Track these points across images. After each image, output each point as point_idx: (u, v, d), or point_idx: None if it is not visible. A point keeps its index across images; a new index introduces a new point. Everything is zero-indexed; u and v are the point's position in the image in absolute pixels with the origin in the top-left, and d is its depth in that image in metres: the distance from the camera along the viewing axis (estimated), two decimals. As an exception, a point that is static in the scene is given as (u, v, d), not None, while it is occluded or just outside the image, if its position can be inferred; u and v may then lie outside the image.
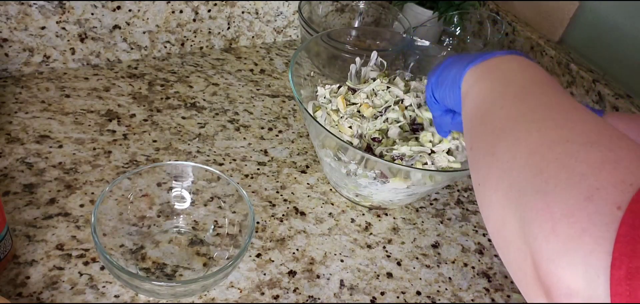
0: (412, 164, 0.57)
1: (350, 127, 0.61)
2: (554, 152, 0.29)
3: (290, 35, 0.93)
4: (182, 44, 0.82)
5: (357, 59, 0.69)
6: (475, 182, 0.36)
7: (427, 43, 0.73)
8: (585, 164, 0.27)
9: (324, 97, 0.65)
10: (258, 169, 0.66)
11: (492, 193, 0.33)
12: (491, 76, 0.41)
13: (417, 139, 0.60)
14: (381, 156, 0.58)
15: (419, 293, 0.57)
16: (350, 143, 0.58)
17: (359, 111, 0.62)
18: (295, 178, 0.66)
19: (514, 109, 0.35)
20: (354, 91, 0.64)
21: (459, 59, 0.46)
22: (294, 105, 0.79)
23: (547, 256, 0.26)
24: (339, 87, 0.66)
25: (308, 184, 0.66)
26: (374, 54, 0.69)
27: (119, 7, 0.73)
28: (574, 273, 0.24)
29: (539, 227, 0.27)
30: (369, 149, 0.59)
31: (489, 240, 0.65)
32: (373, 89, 0.63)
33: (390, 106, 0.62)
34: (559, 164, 0.28)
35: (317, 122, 0.55)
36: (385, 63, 0.69)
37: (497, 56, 0.42)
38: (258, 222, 0.59)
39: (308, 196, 0.64)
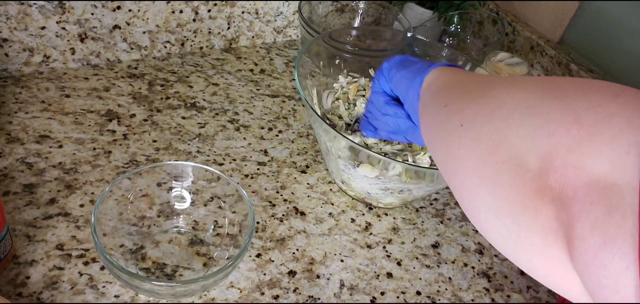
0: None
1: (346, 109, 0.64)
2: (558, 83, 0.27)
3: (290, 35, 0.93)
4: (182, 44, 0.82)
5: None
6: (451, 128, 0.33)
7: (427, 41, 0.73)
8: (596, 90, 0.25)
9: (341, 87, 0.68)
10: (258, 169, 0.66)
11: (485, 122, 0.30)
12: (465, 72, 0.42)
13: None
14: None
15: (419, 293, 0.57)
16: (324, 119, 0.58)
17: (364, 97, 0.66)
18: (295, 178, 0.66)
19: (487, 85, 0.34)
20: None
21: (421, 60, 0.47)
22: (294, 105, 0.79)
23: (566, 146, 0.23)
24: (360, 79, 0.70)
25: (308, 184, 0.66)
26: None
27: (119, 7, 0.73)
28: (599, 155, 0.22)
29: (559, 121, 0.24)
30: (348, 127, 0.64)
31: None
32: None
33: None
34: (571, 84, 0.26)
35: (308, 103, 0.55)
36: None
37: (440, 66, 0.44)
38: (258, 222, 0.59)
39: (308, 196, 0.64)
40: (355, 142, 0.54)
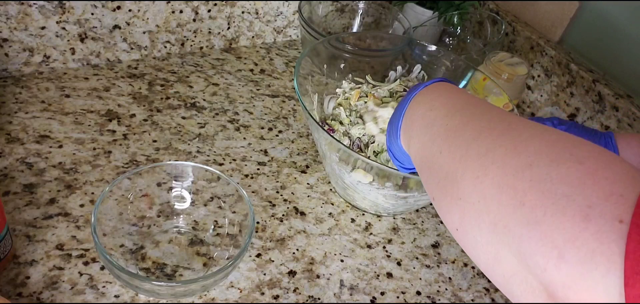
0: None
1: (348, 116, 0.64)
2: (523, 181, 0.28)
3: (290, 35, 0.93)
4: (182, 44, 0.82)
5: (399, 68, 0.71)
6: (452, 228, 0.34)
7: (432, 47, 0.73)
8: (562, 184, 0.26)
9: (344, 91, 0.68)
10: (258, 169, 0.66)
11: (476, 234, 0.31)
12: (415, 126, 0.41)
13: None
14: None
15: (419, 293, 0.57)
16: (319, 123, 0.57)
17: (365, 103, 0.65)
18: (295, 178, 0.66)
19: (455, 147, 0.34)
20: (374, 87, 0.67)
21: (393, 117, 0.47)
22: (294, 105, 0.79)
23: (562, 284, 0.25)
24: (364, 85, 0.70)
25: (308, 184, 0.66)
26: (418, 67, 0.71)
27: (119, 7, 0.73)
28: (596, 292, 0.23)
29: (545, 258, 0.25)
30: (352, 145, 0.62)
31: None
32: (390, 90, 0.64)
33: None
34: (536, 192, 0.27)
35: (307, 111, 0.55)
36: (426, 75, 0.71)
37: (410, 99, 0.43)
38: (258, 222, 0.59)
39: (308, 196, 0.64)
40: (344, 145, 0.54)
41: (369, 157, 0.58)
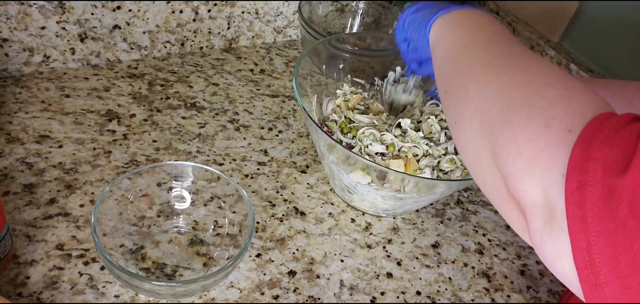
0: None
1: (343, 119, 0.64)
2: (519, 91, 0.34)
3: (290, 35, 0.93)
4: (182, 44, 0.82)
5: (398, 69, 0.71)
6: (451, 122, 0.41)
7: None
8: (544, 99, 0.32)
9: (344, 94, 0.68)
10: (258, 169, 0.66)
11: (468, 129, 0.37)
12: (462, 25, 0.46)
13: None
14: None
15: (419, 293, 0.57)
16: (317, 124, 0.57)
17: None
18: (295, 178, 0.66)
19: (483, 55, 0.40)
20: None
21: (434, 4, 0.52)
22: (294, 105, 0.79)
23: (514, 175, 0.31)
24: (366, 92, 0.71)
25: (308, 184, 0.66)
26: (414, 78, 0.70)
27: (119, 7, 0.73)
28: (534, 186, 0.30)
29: (507, 152, 0.32)
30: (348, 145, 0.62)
31: (489, 240, 0.65)
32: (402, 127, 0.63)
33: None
34: (523, 101, 0.33)
35: (309, 116, 0.55)
36: (423, 91, 0.71)
37: (467, 9, 0.48)
38: (258, 222, 0.59)
39: (308, 196, 0.64)
40: (342, 146, 0.54)
41: (367, 157, 0.58)
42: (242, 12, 0.85)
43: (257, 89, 0.80)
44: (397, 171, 0.54)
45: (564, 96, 0.32)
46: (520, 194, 0.31)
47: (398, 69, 0.72)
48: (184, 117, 0.71)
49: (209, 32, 0.84)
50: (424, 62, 0.57)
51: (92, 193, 0.58)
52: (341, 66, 0.73)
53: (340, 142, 0.61)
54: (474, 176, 0.38)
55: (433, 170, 0.59)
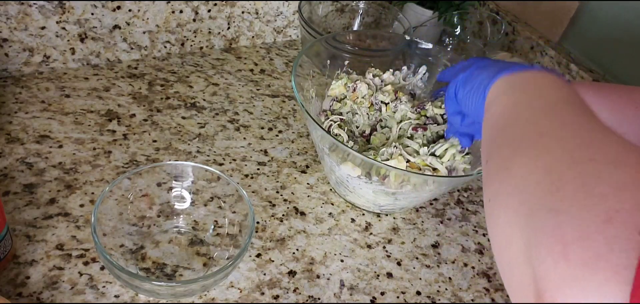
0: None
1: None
2: (574, 171, 0.26)
3: (290, 35, 0.93)
4: (182, 44, 0.82)
5: (404, 68, 0.72)
6: (485, 198, 0.34)
7: (429, 45, 0.73)
8: (606, 184, 0.24)
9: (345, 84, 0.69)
10: (258, 169, 0.66)
11: (501, 210, 0.31)
12: (521, 89, 0.39)
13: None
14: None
15: (419, 293, 0.57)
16: (312, 117, 0.57)
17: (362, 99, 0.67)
18: (295, 178, 0.66)
19: (538, 124, 0.33)
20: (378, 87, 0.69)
21: (490, 64, 0.45)
22: (294, 105, 0.79)
23: (554, 283, 0.24)
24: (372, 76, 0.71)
25: (308, 184, 0.66)
26: (423, 68, 0.71)
27: (119, 7, 0.73)
28: (586, 300, 0.22)
29: (548, 249, 0.24)
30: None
31: (489, 240, 0.65)
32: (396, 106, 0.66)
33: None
34: (577, 184, 0.25)
35: (311, 117, 0.55)
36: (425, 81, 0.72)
37: (531, 70, 0.41)
38: (258, 223, 0.59)
39: (308, 196, 0.64)
40: (331, 135, 0.54)
41: (352, 148, 0.59)
42: (242, 12, 0.85)
43: (257, 89, 0.80)
44: (386, 165, 0.54)
45: (634, 181, 0.24)
46: None
47: (405, 68, 0.72)
48: (184, 117, 0.71)
49: (209, 32, 0.84)
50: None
51: (92, 193, 0.58)
52: (345, 64, 0.73)
53: (336, 136, 0.61)
54: (500, 269, 0.31)
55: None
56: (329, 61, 0.71)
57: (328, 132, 0.57)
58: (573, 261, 0.23)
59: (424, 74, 0.72)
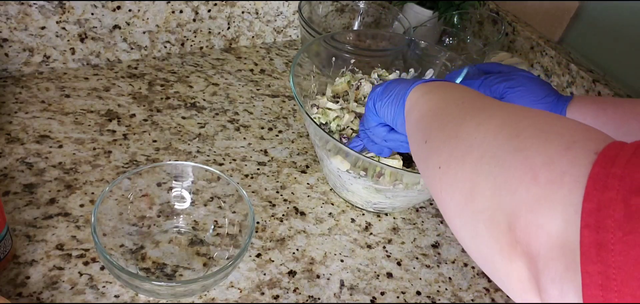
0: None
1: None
2: (526, 121, 0.30)
3: (290, 35, 0.93)
4: (182, 44, 0.82)
5: (411, 70, 0.73)
6: (434, 167, 0.36)
7: (432, 47, 0.73)
8: (559, 126, 0.28)
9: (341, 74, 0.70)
10: (258, 169, 0.66)
11: (458, 169, 0.32)
12: (441, 89, 0.43)
13: None
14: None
15: (419, 293, 0.57)
16: (307, 113, 0.58)
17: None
18: (295, 178, 0.66)
19: (472, 104, 0.36)
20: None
21: (397, 83, 0.49)
22: (294, 105, 0.79)
23: (527, 206, 0.26)
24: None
25: (308, 184, 0.66)
26: (430, 71, 0.71)
27: (119, 7, 0.73)
28: (554, 215, 0.24)
29: (519, 179, 0.27)
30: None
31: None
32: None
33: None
34: (534, 128, 0.29)
35: (310, 117, 0.55)
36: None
37: (439, 81, 0.45)
38: (258, 223, 0.59)
39: (308, 196, 0.64)
40: (326, 133, 0.54)
41: (341, 142, 0.59)
42: (242, 12, 0.85)
43: (257, 89, 0.80)
44: (375, 160, 0.54)
45: (578, 125, 0.28)
46: (532, 230, 0.25)
47: (412, 70, 0.72)
48: (184, 117, 0.71)
49: (209, 32, 0.84)
50: (405, 142, 0.53)
51: (92, 193, 0.58)
52: (351, 63, 0.73)
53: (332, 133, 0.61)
54: (460, 228, 0.32)
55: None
56: (334, 59, 0.71)
57: (320, 126, 0.57)
58: (542, 181, 0.25)
59: (431, 76, 0.72)
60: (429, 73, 0.72)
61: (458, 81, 0.69)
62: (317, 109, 0.65)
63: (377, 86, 0.52)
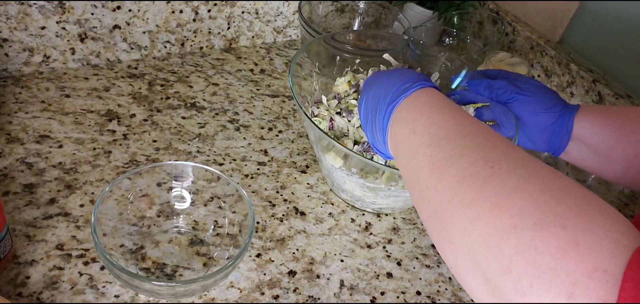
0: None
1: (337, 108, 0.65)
2: (509, 245, 0.28)
3: (290, 35, 0.93)
4: (182, 44, 0.82)
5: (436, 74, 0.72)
6: (448, 264, 0.35)
7: (432, 47, 0.73)
8: (547, 254, 0.26)
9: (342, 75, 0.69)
10: (258, 169, 0.66)
11: (471, 280, 0.32)
12: (400, 146, 0.41)
13: None
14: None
15: (419, 293, 0.57)
16: (304, 110, 0.57)
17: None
18: (295, 178, 0.66)
19: (441, 190, 0.34)
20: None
21: (377, 95, 0.46)
22: (294, 105, 0.79)
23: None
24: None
25: (308, 184, 0.66)
26: (435, 75, 0.71)
27: (119, 7, 0.73)
28: None
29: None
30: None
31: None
32: None
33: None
34: (521, 259, 0.27)
35: (309, 117, 0.55)
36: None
37: (393, 113, 0.43)
38: (258, 223, 0.59)
39: (308, 196, 0.64)
40: (315, 123, 0.54)
41: (334, 138, 0.59)
42: (242, 12, 0.85)
43: (257, 89, 0.80)
44: (373, 162, 0.54)
45: (568, 243, 0.26)
46: None
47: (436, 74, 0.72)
48: (184, 117, 0.71)
49: (209, 32, 0.84)
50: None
51: (92, 193, 0.58)
52: (356, 63, 0.73)
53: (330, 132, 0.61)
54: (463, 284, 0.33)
55: None
56: (338, 58, 0.71)
57: (315, 123, 0.57)
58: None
59: (436, 80, 0.72)
60: (435, 77, 0.72)
61: (458, 81, 0.69)
62: (318, 108, 0.65)
63: (365, 89, 0.50)
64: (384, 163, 0.56)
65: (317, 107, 0.66)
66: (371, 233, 0.62)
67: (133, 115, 0.69)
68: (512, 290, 0.27)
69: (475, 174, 0.32)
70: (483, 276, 0.30)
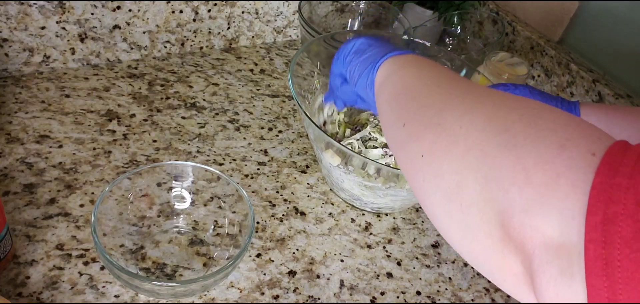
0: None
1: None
2: (515, 114, 0.28)
3: (290, 35, 0.93)
4: (182, 44, 0.82)
5: None
6: (416, 155, 0.34)
7: (432, 47, 0.73)
8: (551, 122, 0.27)
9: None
10: (258, 169, 0.66)
11: (443, 161, 0.31)
12: (416, 65, 0.41)
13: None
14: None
15: (419, 293, 0.57)
16: (304, 109, 0.58)
17: None
18: (295, 178, 0.66)
19: (454, 88, 0.35)
20: None
21: (373, 45, 0.47)
22: (294, 105, 0.79)
23: (521, 207, 0.25)
24: None
25: (308, 184, 0.66)
26: None
27: (119, 7, 0.73)
28: (549, 218, 0.24)
29: (511, 179, 0.26)
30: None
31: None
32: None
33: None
34: (524, 123, 0.28)
35: (308, 117, 0.55)
36: None
37: (414, 54, 0.43)
38: (258, 223, 0.59)
39: (308, 196, 0.64)
40: (320, 128, 0.54)
41: (334, 138, 0.59)
42: (242, 12, 0.85)
43: (257, 89, 0.80)
44: (369, 159, 0.54)
45: (573, 120, 0.27)
46: (526, 231, 0.25)
47: None
48: (184, 117, 0.71)
49: (209, 32, 0.84)
50: (359, 101, 0.53)
51: (92, 193, 0.58)
52: None
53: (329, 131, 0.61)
54: (444, 219, 0.31)
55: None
56: (321, 63, 0.71)
57: (313, 122, 0.57)
58: (536, 184, 0.25)
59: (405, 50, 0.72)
60: None
61: None
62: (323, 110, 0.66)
63: (355, 38, 0.50)
64: (381, 157, 0.57)
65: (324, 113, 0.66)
66: (371, 233, 0.62)
67: (133, 115, 0.69)
68: (500, 146, 0.28)
69: (485, 89, 0.34)
70: (467, 147, 0.30)
